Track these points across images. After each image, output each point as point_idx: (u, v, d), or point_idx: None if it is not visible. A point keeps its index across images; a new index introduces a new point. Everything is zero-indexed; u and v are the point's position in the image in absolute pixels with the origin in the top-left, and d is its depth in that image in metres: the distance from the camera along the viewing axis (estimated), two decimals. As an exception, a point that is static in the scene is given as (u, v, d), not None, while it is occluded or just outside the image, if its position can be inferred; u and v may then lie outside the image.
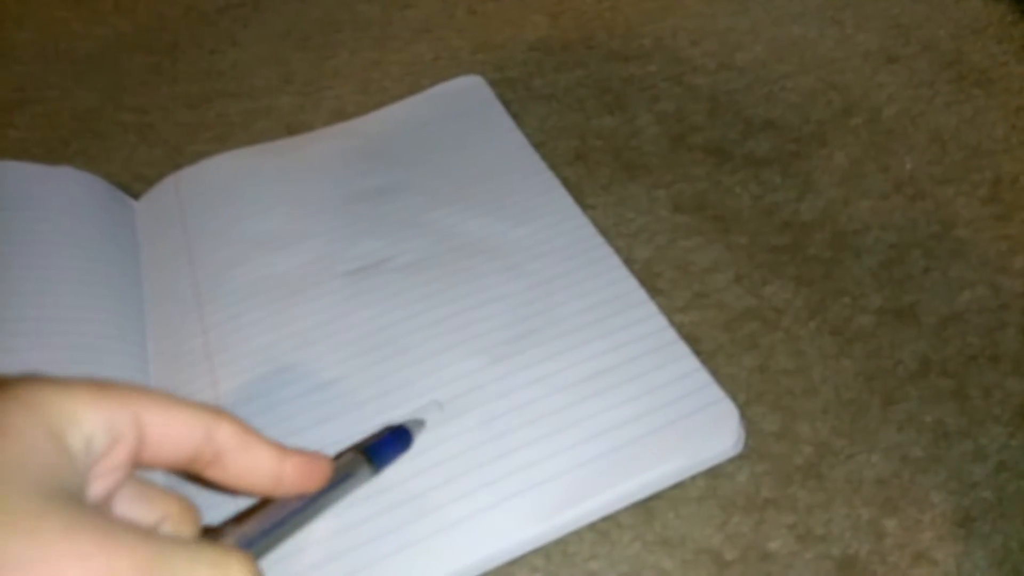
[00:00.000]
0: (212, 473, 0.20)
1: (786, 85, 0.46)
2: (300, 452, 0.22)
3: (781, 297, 0.35)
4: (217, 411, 0.20)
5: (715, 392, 0.30)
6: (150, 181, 0.44)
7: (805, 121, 0.43)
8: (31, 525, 0.15)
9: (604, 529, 0.28)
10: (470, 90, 0.47)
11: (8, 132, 0.50)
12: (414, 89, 0.48)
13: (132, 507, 0.20)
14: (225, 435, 0.20)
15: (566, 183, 0.41)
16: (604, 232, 0.38)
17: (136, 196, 0.43)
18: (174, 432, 0.19)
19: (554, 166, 0.42)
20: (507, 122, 0.44)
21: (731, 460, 0.29)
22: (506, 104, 0.46)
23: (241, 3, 0.60)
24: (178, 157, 0.46)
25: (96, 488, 0.18)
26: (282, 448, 0.21)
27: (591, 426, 0.29)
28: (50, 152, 0.48)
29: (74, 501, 0.16)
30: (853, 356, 0.32)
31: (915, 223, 0.37)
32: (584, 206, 0.40)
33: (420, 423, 0.30)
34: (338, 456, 0.27)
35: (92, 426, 0.17)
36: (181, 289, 0.36)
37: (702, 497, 0.28)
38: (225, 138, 0.47)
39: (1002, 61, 0.45)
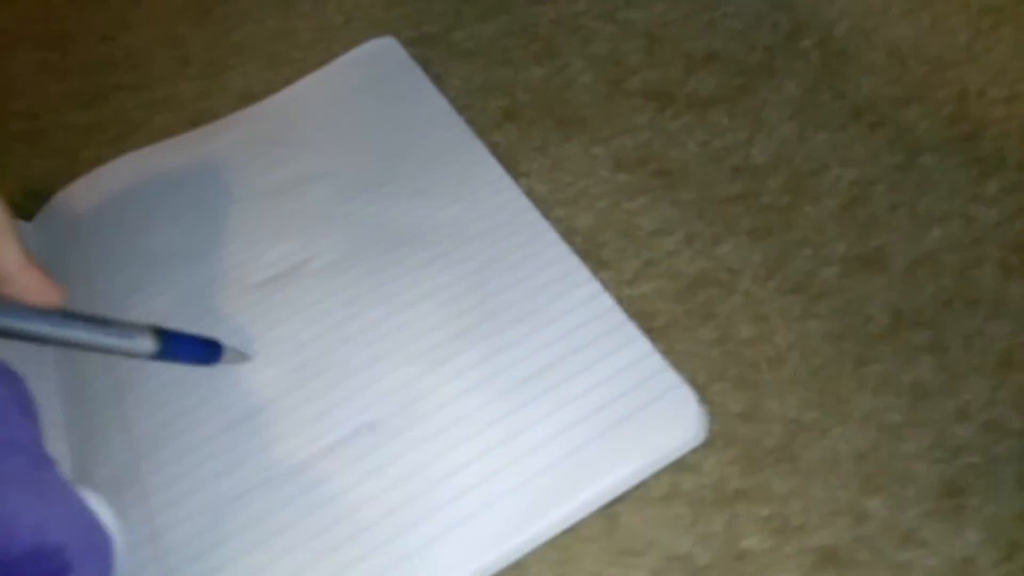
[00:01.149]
0: None
1: (727, 11, 0.41)
2: (42, 272, 0.23)
3: (737, 255, 0.32)
4: None
5: (671, 377, 0.27)
6: (45, 197, 0.40)
7: (751, 49, 0.39)
8: None
9: (565, 545, 0.25)
10: (383, 54, 0.42)
11: None
12: (326, 58, 0.44)
13: None
14: None
15: (496, 149, 0.37)
16: (541, 201, 0.35)
17: (30, 216, 0.39)
18: None
19: (482, 131, 0.38)
20: (427, 86, 0.40)
21: (695, 450, 0.27)
22: (425, 65, 0.42)
23: (131, -21, 0.54)
24: (74, 166, 0.41)
25: None
26: (30, 258, 0.23)
27: (540, 432, 0.27)
28: (-69, 176, 0.43)
29: None
30: (819, 315, 0.29)
31: (877, 154, 0.34)
32: (517, 174, 0.36)
33: (243, 355, 0.29)
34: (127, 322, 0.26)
35: None
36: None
37: (667, 496, 0.26)
38: (124, 138, 0.43)
39: (961, -43, 0.41)
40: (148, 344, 0.25)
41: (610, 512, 0.26)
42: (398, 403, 0.28)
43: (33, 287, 0.23)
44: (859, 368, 0.28)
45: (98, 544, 0.21)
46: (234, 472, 0.27)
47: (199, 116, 0.43)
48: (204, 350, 0.28)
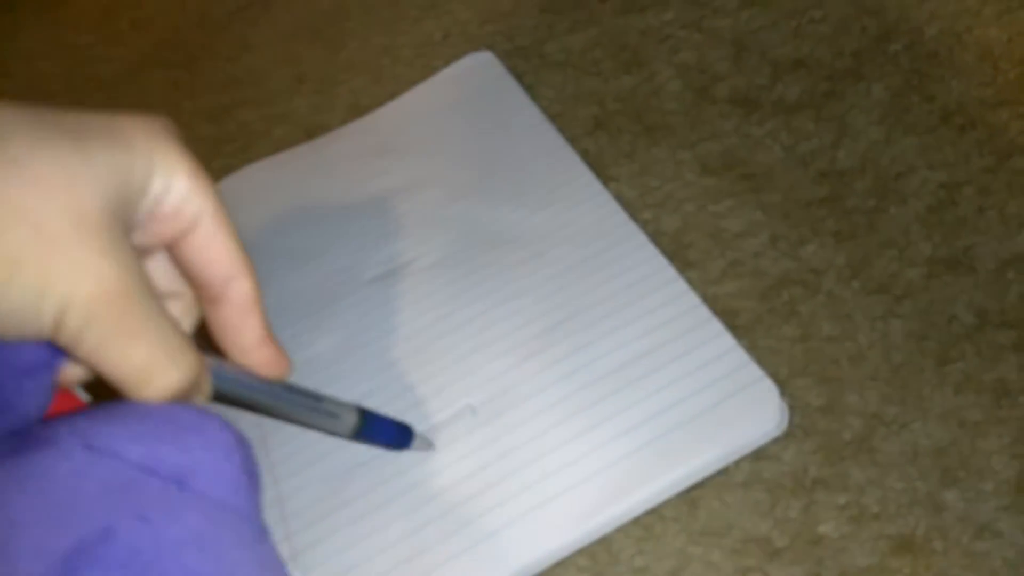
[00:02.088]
0: (206, 306, 0.22)
1: (815, 16, 0.42)
2: (277, 346, 0.23)
3: (821, 257, 0.33)
4: (249, 267, 0.22)
5: (754, 371, 0.29)
6: (182, 203, 0.45)
7: (838, 55, 0.40)
8: (92, 227, 0.17)
9: (648, 523, 0.28)
10: (481, 68, 0.45)
11: (47, 169, 0.51)
12: (426, 72, 0.47)
13: (160, 273, 0.22)
14: (239, 289, 0.22)
15: (586, 155, 0.39)
16: (629, 205, 0.37)
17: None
18: (215, 257, 0.21)
19: (573, 138, 0.41)
20: (521, 97, 0.43)
21: (776, 440, 0.28)
22: (519, 76, 0.45)
23: (250, 3, 0.59)
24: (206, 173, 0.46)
25: (144, 237, 0.20)
26: (269, 333, 0.23)
27: (627, 418, 0.29)
28: (87, 185, 0.49)
29: (125, 230, 0.19)
30: (902, 315, 0.30)
31: (966, 157, 0.34)
32: (606, 179, 0.38)
33: (428, 443, 0.30)
34: (335, 399, 0.27)
35: (172, 194, 0.20)
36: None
37: (747, 482, 0.28)
38: (248, 148, 0.48)
39: (1060, -45, 0.40)
40: (352, 423, 0.26)
41: (692, 496, 0.28)
42: (496, 389, 0.31)
43: (269, 361, 0.23)
44: (941, 366, 0.29)
45: None
46: (346, 448, 0.31)
47: (314, 128, 0.47)
48: (397, 435, 0.29)
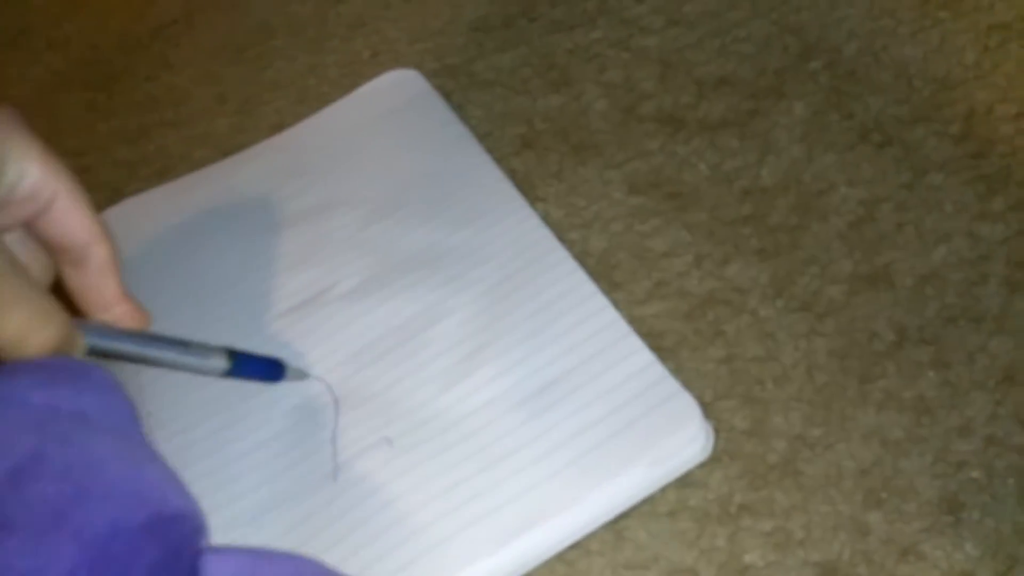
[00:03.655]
0: (66, 271, 0.24)
1: (739, 35, 0.42)
2: (134, 301, 0.26)
3: (745, 275, 0.33)
4: (104, 234, 0.24)
5: (673, 385, 0.28)
6: (92, 230, 0.42)
7: (761, 73, 0.40)
8: None
9: (572, 559, 0.27)
10: (404, 85, 0.44)
11: (-52, 196, 0.49)
12: (352, 91, 0.46)
13: (15, 246, 0.23)
14: (97, 253, 0.24)
15: (514, 175, 0.39)
16: (557, 225, 0.36)
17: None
18: (72, 228, 0.23)
19: (501, 157, 0.40)
20: (448, 115, 0.42)
21: (701, 465, 0.28)
22: (448, 95, 0.44)
23: (174, 21, 0.57)
24: (119, 198, 0.44)
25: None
26: (125, 290, 0.25)
27: (548, 441, 0.28)
28: (-9, 212, 0.47)
29: None
30: (825, 333, 0.30)
31: (884, 174, 0.35)
32: (534, 199, 0.37)
33: (302, 374, 0.30)
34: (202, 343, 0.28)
35: (26, 179, 0.22)
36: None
37: (673, 511, 0.27)
38: (166, 171, 0.46)
39: (970, -25, 0.41)
40: (221, 363, 0.28)
41: (617, 527, 0.27)
42: (415, 420, 0.30)
43: (128, 314, 0.25)
44: (863, 385, 0.29)
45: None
46: (267, 485, 0.29)
47: (234, 150, 0.45)
48: (269, 368, 0.30)
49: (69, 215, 0.23)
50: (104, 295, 0.25)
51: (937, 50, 0.38)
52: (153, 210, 0.40)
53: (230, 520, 0.28)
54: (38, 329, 0.21)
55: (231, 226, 0.38)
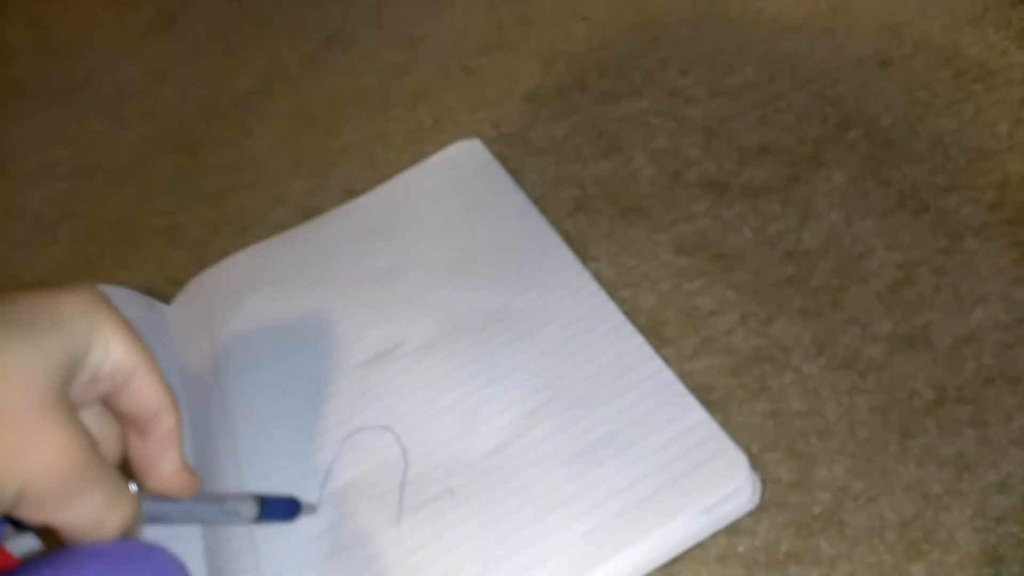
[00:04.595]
0: (130, 439, 0.24)
1: (780, 106, 0.45)
2: (190, 471, 0.26)
3: (789, 334, 0.35)
4: (173, 404, 0.24)
5: (724, 442, 0.30)
6: (180, 282, 0.46)
7: (801, 142, 0.43)
8: (43, 406, 0.20)
9: (627, 599, 0.28)
10: (468, 154, 0.48)
11: (52, 249, 0.54)
12: (417, 157, 0.50)
13: (91, 422, 0.23)
14: (164, 423, 0.24)
15: (567, 236, 0.42)
16: (608, 284, 0.39)
17: (168, 299, 0.46)
18: (146, 400, 0.23)
19: (555, 220, 0.43)
20: (506, 182, 0.45)
21: (749, 514, 0.29)
22: (505, 161, 0.47)
23: (252, 92, 0.63)
24: (204, 255, 0.48)
25: (83, 395, 0.23)
26: (185, 460, 0.25)
27: (601, 492, 0.30)
28: (90, 264, 0.51)
29: (64, 396, 0.21)
30: (866, 390, 0.32)
31: (921, 239, 0.36)
32: (587, 259, 0.40)
33: (312, 507, 0.32)
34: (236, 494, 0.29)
35: (110, 359, 0.22)
36: (208, 390, 0.38)
37: (723, 556, 0.29)
38: (246, 231, 0.50)
39: (1001, 50, 0.43)
40: (252, 511, 0.29)
41: (670, 570, 0.29)
42: (476, 471, 0.32)
43: (183, 486, 0.25)
44: (904, 440, 0.30)
45: None
46: (337, 525, 0.31)
47: (309, 210, 0.49)
48: (289, 509, 0.31)
49: (144, 388, 0.23)
50: (164, 467, 0.25)
51: (971, 122, 0.40)
52: (243, 269, 0.44)
53: (301, 561, 0.31)
54: (114, 512, 0.21)
55: (312, 285, 0.42)
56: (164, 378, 0.24)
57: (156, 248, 0.51)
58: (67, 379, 0.21)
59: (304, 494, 0.32)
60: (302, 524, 0.32)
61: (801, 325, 0.35)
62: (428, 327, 0.38)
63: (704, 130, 0.46)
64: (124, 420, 0.24)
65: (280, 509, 0.31)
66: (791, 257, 0.38)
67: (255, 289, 0.42)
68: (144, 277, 0.48)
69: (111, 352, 0.22)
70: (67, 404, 0.21)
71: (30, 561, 0.21)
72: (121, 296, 0.43)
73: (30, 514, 0.20)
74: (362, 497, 0.32)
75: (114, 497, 0.21)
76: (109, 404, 0.24)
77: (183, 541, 0.31)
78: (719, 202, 0.41)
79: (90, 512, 0.21)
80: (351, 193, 0.49)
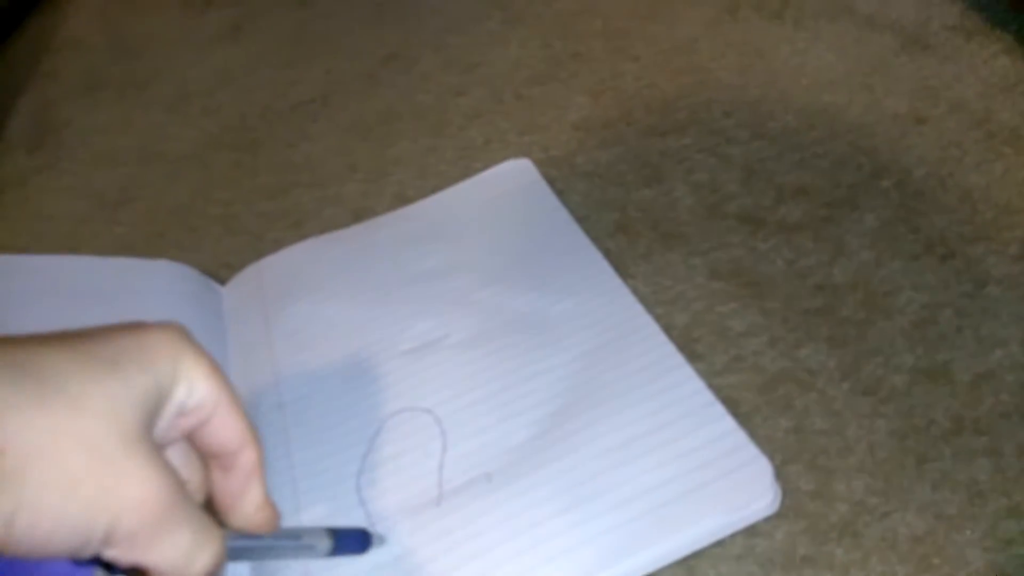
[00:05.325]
0: (213, 475, 0.24)
1: (817, 152, 0.48)
2: (272, 506, 0.26)
3: (815, 359, 0.37)
4: (255, 438, 0.24)
5: (752, 453, 0.32)
6: (235, 268, 0.49)
7: (836, 186, 0.45)
8: (134, 442, 0.20)
9: (648, 586, 0.30)
10: (518, 172, 0.51)
11: (114, 228, 0.56)
12: (467, 172, 0.53)
13: (176, 459, 0.23)
14: (247, 457, 0.24)
15: (608, 254, 0.44)
16: (644, 300, 0.41)
17: (223, 282, 0.48)
18: (228, 435, 0.23)
19: (597, 238, 0.45)
20: (552, 200, 0.48)
21: (768, 519, 0.31)
22: (551, 182, 0.50)
23: (311, 100, 0.66)
24: (259, 244, 0.51)
25: (169, 433, 0.23)
26: (267, 496, 0.25)
27: (631, 488, 0.32)
28: (149, 244, 0.54)
29: (151, 433, 0.21)
30: (887, 416, 0.34)
31: (947, 283, 0.38)
32: (625, 275, 0.42)
33: (382, 539, 0.32)
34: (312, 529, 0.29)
35: (195, 395, 0.22)
36: (261, 367, 0.40)
37: (741, 555, 0.30)
38: (300, 225, 0.53)
39: (1032, 117, 0.46)
40: (327, 545, 0.28)
41: (689, 564, 0.30)
42: (512, 458, 0.34)
43: (265, 522, 0.25)
44: (921, 464, 0.32)
45: None
46: (377, 501, 0.33)
47: (361, 212, 0.52)
48: (362, 545, 0.31)
49: (227, 423, 0.23)
50: (248, 502, 0.25)
51: (1000, 180, 0.43)
52: (299, 259, 0.46)
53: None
54: (202, 550, 0.21)
55: (363, 280, 0.44)
56: (244, 413, 0.24)
57: (213, 234, 0.54)
58: (153, 416, 0.21)
59: (346, 464, 0.34)
60: (343, 494, 0.34)
61: (827, 352, 0.37)
62: (470, 325, 0.40)
63: (744, 168, 0.48)
64: (207, 456, 0.24)
65: (353, 542, 0.30)
66: (821, 290, 0.40)
67: (309, 279, 0.45)
68: (200, 260, 0.50)
69: (196, 388, 0.22)
70: (153, 441, 0.21)
71: None
72: (181, 273, 0.46)
73: (120, 554, 0.20)
74: (402, 473, 0.34)
75: (202, 535, 0.21)
76: (191, 441, 0.24)
77: None
78: (754, 235, 0.44)
79: (179, 551, 0.20)
80: (402, 199, 0.52)
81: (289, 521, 0.33)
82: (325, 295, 0.43)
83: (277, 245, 0.50)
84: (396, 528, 0.32)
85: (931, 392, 0.34)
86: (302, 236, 0.50)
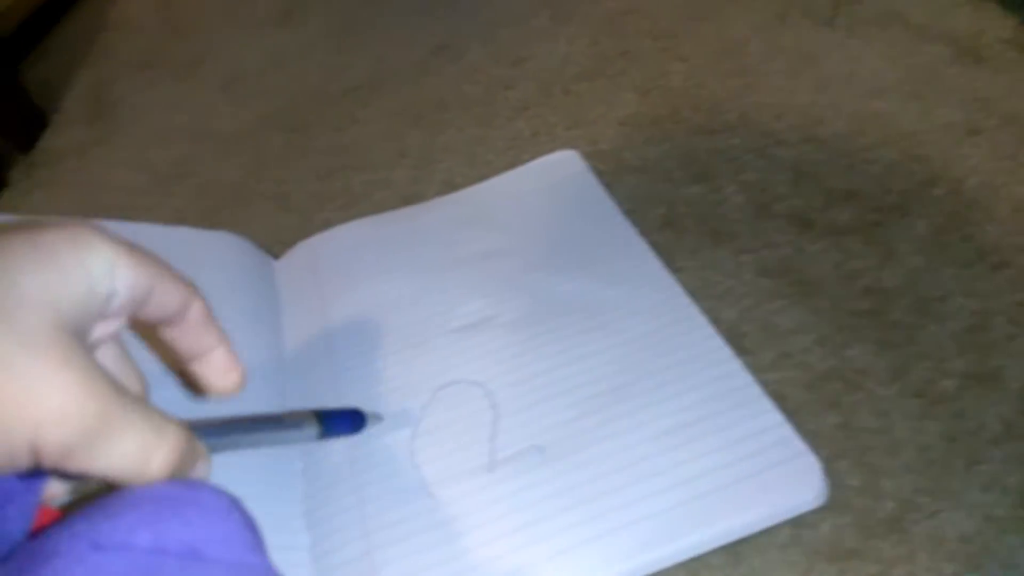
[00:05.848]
0: (169, 335, 0.24)
1: (868, 157, 0.48)
2: (230, 348, 0.25)
3: (864, 359, 0.37)
4: (195, 289, 0.24)
5: (798, 445, 0.32)
6: (287, 244, 0.50)
7: (887, 192, 0.45)
8: (40, 347, 0.18)
9: (694, 569, 0.30)
10: (566, 163, 0.51)
11: (170, 201, 0.58)
12: (515, 162, 0.54)
13: (110, 361, 0.23)
14: (195, 310, 0.24)
15: (655, 247, 0.44)
16: (691, 294, 0.41)
17: (275, 256, 0.49)
18: (167, 304, 0.23)
19: (644, 232, 0.46)
20: (600, 192, 0.48)
21: (814, 511, 0.31)
22: (599, 175, 0.51)
23: (361, 86, 0.67)
24: (309, 223, 0.52)
25: (95, 332, 0.21)
26: (223, 335, 0.25)
27: (679, 473, 0.32)
28: (203, 218, 0.55)
29: (78, 338, 0.19)
30: (936, 418, 0.34)
31: (999, 291, 0.38)
32: (673, 269, 0.43)
33: (379, 417, 0.31)
34: (295, 412, 0.29)
35: (121, 284, 0.21)
36: (315, 338, 0.41)
37: (786, 544, 0.30)
38: (349, 206, 0.54)
39: (1089, 133, 0.46)
40: (315, 427, 0.29)
41: (735, 549, 0.31)
42: (562, 434, 0.34)
43: (228, 360, 0.25)
44: (970, 466, 0.32)
45: None
46: (427, 465, 0.34)
47: (410, 197, 0.53)
48: (354, 424, 0.31)
49: (165, 296, 0.22)
50: (203, 342, 0.24)
51: (1054, 192, 0.43)
52: (351, 237, 0.47)
53: (395, 489, 0.33)
54: (155, 451, 0.19)
55: (414, 259, 0.45)
56: (179, 275, 0.23)
57: (265, 211, 0.55)
58: (73, 319, 0.19)
59: (399, 430, 0.35)
60: (400, 454, 0.34)
61: (876, 353, 0.37)
62: (519, 306, 0.41)
63: (793, 170, 0.49)
64: (154, 326, 0.23)
65: (343, 422, 0.30)
66: (870, 292, 0.40)
67: (362, 256, 0.46)
68: (252, 235, 0.51)
69: (118, 283, 0.20)
70: (76, 345, 0.19)
71: (67, 513, 0.20)
72: (239, 245, 0.47)
73: (60, 465, 0.18)
74: (454, 440, 0.35)
75: (152, 436, 0.19)
76: (132, 320, 0.23)
77: (282, 488, 0.34)
78: (803, 235, 0.44)
79: (128, 456, 0.19)
80: (451, 186, 0.53)
81: (348, 490, 0.34)
82: (377, 272, 0.44)
83: (327, 224, 0.51)
84: (449, 490, 0.33)
85: (982, 397, 0.34)
86: (352, 216, 0.51)
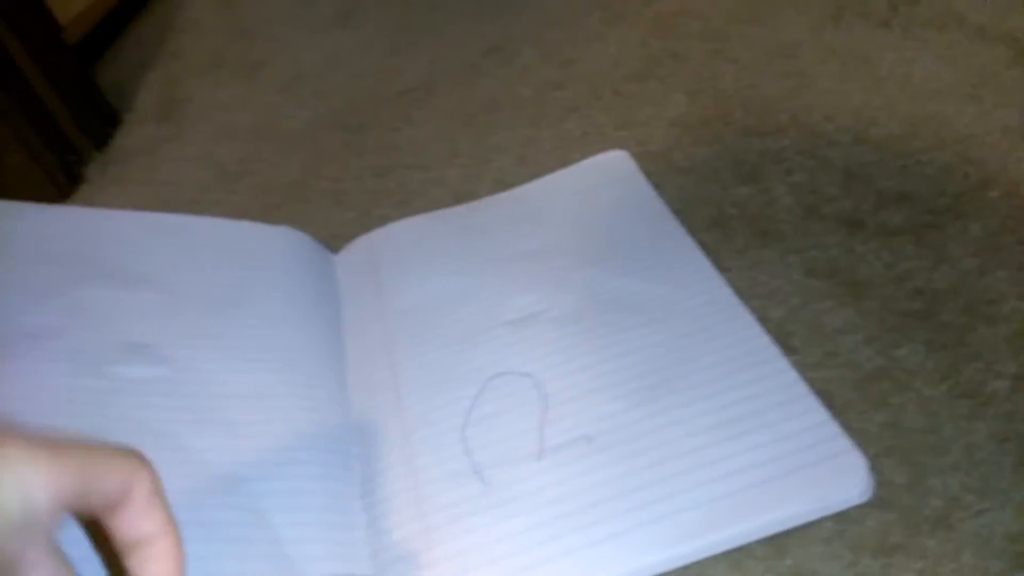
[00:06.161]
0: (111, 520, 0.22)
1: (921, 159, 0.48)
2: (177, 548, 0.23)
3: (913, 360, 0.37)
4: (140, 465, 0.22)
5: (843, 443, 0.33)
6: (345, 239, 0.52)
7: (940, 194, 0.45)
8: None
9: (738, 559, 0.31)
10: (616, 163, 0.52)
11: (232, 197, 0.61)
12: (565, 162, 0.55)
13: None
14: (140, 488, 0.22)
15: (703, 247, 0.45)
16: (739, 292, 0.42)
17: (334, 251, 0.52)
18: (107, 487, 0.22)
19: (692, 231, 0.46)
20: (649, 191, 0.49)
21: (859, 507, 0.32)
22: (648, 175, 0.51)
23: (415, 88, 0.69)
24: (367, 219, 0.54)
25: (24, 550, 0.20)
26: (172, 526, 0.23)
27: (724, 466, 0.33)
28: (265, 213, 0.58)
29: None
30: (986, 419, 0.34)
31: (1055, 293, 0.38)
32: (721, 268, 0.43)
33: None
34: None
35: (41, 493, 0.20)
36: (373, 329, 0.43)
37: (830, 538, 0.31)
38: (405, 204, 0.55)
39: None
40: None
41: (779, 541, 0.31)
42: (610, 425, 0.36)
43: (172, 547, 0.23)
44: (1019, 467, 0.32)
45: None
46: (480, 450, 0.35)
47: (463, 194, 0.54)
48: None
49: (102, 484, 0.21)
50: (144, 527, 0.22)
51: (1115, 195, 0.42)
52: (408, 233, 0.49)
53: (448, 474, 0.35)
54: None
55: (467, 254, 0.47)
56: (118, 451, 0.22)
57: (324, 207, 0.57)
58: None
59: (452, 418, 0.37)
60: (452, 441, 0.36)
61: (925, 354, 0.37)
62: (569, 302, 0.42)
63: (844, 171, 0.49)
64: (100, 515, 0.22)
65: None
66: (920, 294, 0.40)
67: (418, 251, 0.47)
68: (312, 231, 0.54)
69: (40, 495, 0.20)
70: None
71: None
72: (300, 239, 0.49)
73: None
74: (504, 429, 0.36)
75: None
76: (77, 513, 0.22)
77: (341, 471, 0.36)
78: (853, 237, 0.44)
79: None
80: (502, 185, 0.54)
81: (404, 473, 0.35)
82: (433, 266, 0.46)
83: (383, 221, 0.52)
84: (500, 475, 0.34)
85: (1033, 399, 0.34)
86: (407, 213, 0.53)
